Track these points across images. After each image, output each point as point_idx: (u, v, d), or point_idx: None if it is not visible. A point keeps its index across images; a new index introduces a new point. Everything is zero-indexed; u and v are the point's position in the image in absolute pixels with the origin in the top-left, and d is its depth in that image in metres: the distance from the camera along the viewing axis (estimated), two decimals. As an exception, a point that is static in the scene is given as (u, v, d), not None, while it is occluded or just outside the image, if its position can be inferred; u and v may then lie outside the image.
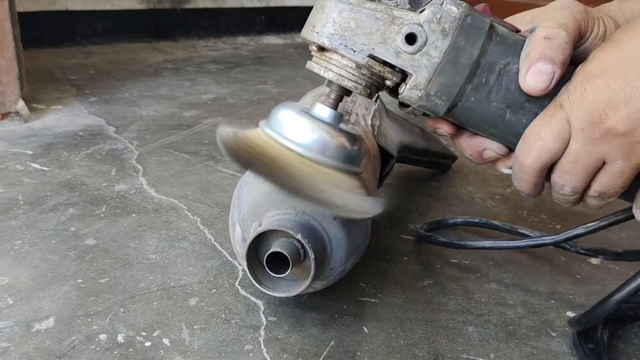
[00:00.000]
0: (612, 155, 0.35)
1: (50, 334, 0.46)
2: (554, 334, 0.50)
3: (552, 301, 0.55)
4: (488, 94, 0.37)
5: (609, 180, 0.37)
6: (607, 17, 0.39)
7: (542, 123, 0.37)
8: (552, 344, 0.48)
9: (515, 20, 0.40)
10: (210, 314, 0.49)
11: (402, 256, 0.62)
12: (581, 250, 0.56)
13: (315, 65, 0.39)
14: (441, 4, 0.36)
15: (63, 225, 0.63)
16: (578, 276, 0.60)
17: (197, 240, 0.62)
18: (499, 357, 0.46)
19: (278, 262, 0.43)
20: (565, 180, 0.38)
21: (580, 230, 0.49)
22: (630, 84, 0.33)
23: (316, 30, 0.37)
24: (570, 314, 0.53)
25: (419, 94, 0.37)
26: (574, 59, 0.37)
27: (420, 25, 0.36)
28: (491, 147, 0.40)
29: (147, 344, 0.45)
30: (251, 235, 0.43)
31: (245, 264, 0.44)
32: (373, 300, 0.53)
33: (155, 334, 0.46)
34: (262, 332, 0.47)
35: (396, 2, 0.36)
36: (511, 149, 0.40)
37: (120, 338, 0.46)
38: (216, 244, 0.61)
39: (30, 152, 0.84)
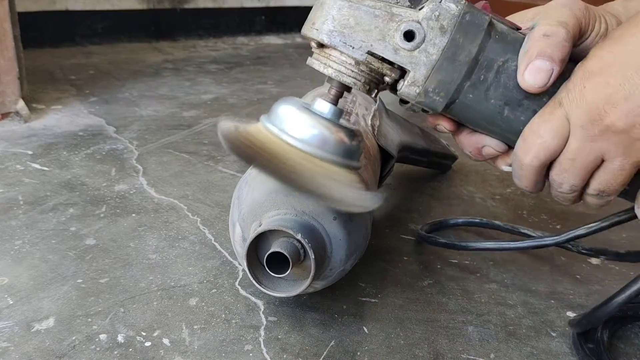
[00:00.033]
0: (612, 153, 0.35)
1: (50, 334, 0.46)
2: (554, 334, 0.50)
3: (552, 301, 0.55)
4: (486, 91, 0.37)
5: (608, 178, 0.37)
6: (609, 15, 0.39)
7: (541, 120, 0.37)
8: (552, 344, 0.48)
9: (517, 18, 0.40)
10: (210, 314, 0.49)
11: (402, 256, 0.62)
12: (583, 251, 0.56)
13: (315, 61, 0.40)
14: (440, 2, 0.36)
15: (63, 225, 0.63)
16: (578, 276, 0.60)
17: (197, 240, 0.62)
18: (499, 357, 0.46)
19: (278, 262, 0.43)
20: (563, 178, 0.38)
21: (582, 230, 0.49)
22: (629, 81, 0.33)
23: (316, 27, 0.38)
24: (570, 314, 0.53)
25: (417, 91, 0.37)
26: (575, 57, 0.37)
27: (418, 22, 0.36)
28: (490, 144, 0.40)
29: (147, 344, 0.45)
30: (251, 235, 0.43)
31: (245, 264, 0.44)
32: (373, 300, 0.53)
33: (155, 334, 0.46)
34: (262, 332, 0.47)
35: (396, 0, 0.37)
36: (510, 147, 0.40)
37: (120, 338, 0.46)
38: (216, 244, 0.61)
39: (30, 152, 0.84)
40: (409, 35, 0.36)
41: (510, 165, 0.41)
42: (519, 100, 0.37)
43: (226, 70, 1.52)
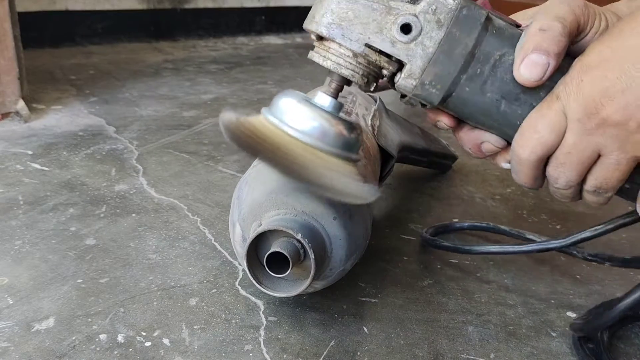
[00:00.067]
0: (608, 147, 0.35)
1: (50, 334, 0.46)
2: (554, 334, 0.50)
3: (552, 301, 0.55)
4: (483, 85, 0.38)
5: (605, 173, 0.37)
6: (610, 13, 0.39)
7: (538, 115, 0.37)
8: (552, 344, 0.48)
9: (518, 17, 0.40)
10: (210, 314, 0.49)
11: (402, 256, 0.62)
12: (588, 257, 0.55)
13: (315, 54, 0.40)
14: None
15: (63, 225, 0.63)
16: (578, 276, 0.60)
17: (197, 240, 0.62)
18: (499, 357, 0.46)
19: (278, 262, 0.43)
20: (559, 173, 0.38)
21: (587, 233, 0.48)
22: (626, 74, 0.33)
23: (316, 20, 0.39)
24: (570, 314, 0.53)
25: (414, 83, 0.38)
26: (574, 53, 0.37)
27: (415, 15, 0.37)
28: (490, 140, 0.41)
29: (147, 344, 0.45)
30: (251, 235, 0.43)
31: (245, 264, 0.44)
32: (373, 300, 0.53)
33: (155, 334, 0.46)
34: (262, 332, 0.47)
35: None
36: (510, 143, 0.40)
37: (120, 338, 0.46)
38: (216, 244, 0.61)
39: (30, 152, 0.84)
40: (405, 28, 0.37)
41: (509, 162, 0.41)
42: (516, 95, 0.38)
43: (226, 70, 1.52)
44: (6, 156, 0.82)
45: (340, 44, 0.38)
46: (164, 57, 1.65)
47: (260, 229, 0.43)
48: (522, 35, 0.37)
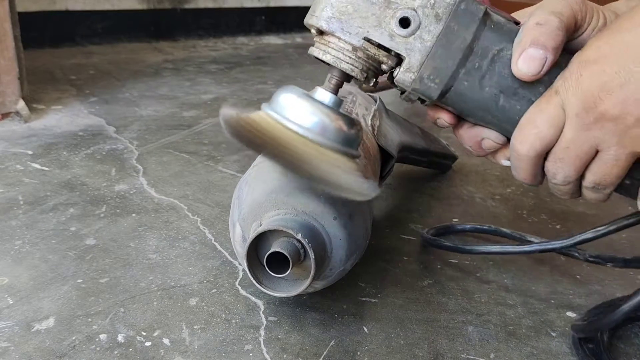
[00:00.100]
0: (606, 142, 0.35)
1: (50, 334, 0.46)
2: (554, 334, 0.50)
3: (552, 301, 0.55)
4: (481, 79, 0.38)
5: (603, 169, 0.36)
6: (608, 11, 0.39)
7: (537, 110, 0.37)
8: (552, 344, 0.48)
9: (517, 16, 0.40)
10: (210, 313, 0.49)
11: (402, 256, 0.62)
12: (590, 259, 0.55)
13: (315, 49, 0.41)
14: None
15: (63, 225, 0.63)
16: (578, 276, 0.60)
17: (197, 240, 0.62)
18: (499, 357, 0.46)
19: (278, 262, 0.43)
20: (557, 168, 0.38)
21: (589, 234, 0.48)
22: (625, 69, 0.33)
23: (316, 14, 0.39)
24: (570, 314, 0.53)
25: (412, 77, 0.38)
26: (572, 50, 0.37)
27: (414, 9, 0.37)
28: (489, 137, 0.41)
29: (147, 343, 0.45)
30: (251, 235, 0.43)
31: (245, 264, 0.44)
32: (373, 300, 0.53)
33: (155, 334, 0.46)
34: (262, 332, 0.47)
35: None
36: (509, 139, 0.40)
37: (120, 338, 0.46)
38: (216, 244, 0.61)
39: (30, 152, 0.84)
40: (404, 22, 0.37)
41: (509, 159, 0.41)
42: (514, 89, 0.38)
43: (226, 70, 1.52)
44: (6, 156, 0.82)
45: (339, 38, 0.39)
46: (164, 57, 1.65)
47: (260, 229, 0.43)
48: (520, 30, 0.37)
